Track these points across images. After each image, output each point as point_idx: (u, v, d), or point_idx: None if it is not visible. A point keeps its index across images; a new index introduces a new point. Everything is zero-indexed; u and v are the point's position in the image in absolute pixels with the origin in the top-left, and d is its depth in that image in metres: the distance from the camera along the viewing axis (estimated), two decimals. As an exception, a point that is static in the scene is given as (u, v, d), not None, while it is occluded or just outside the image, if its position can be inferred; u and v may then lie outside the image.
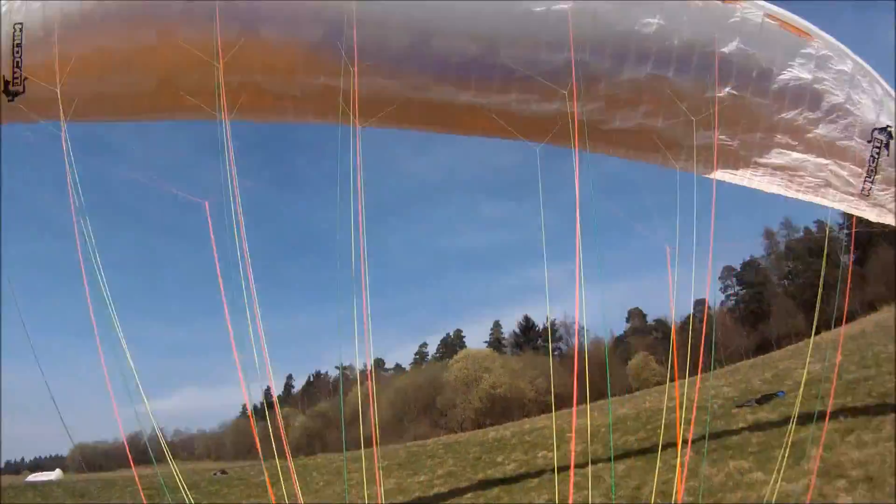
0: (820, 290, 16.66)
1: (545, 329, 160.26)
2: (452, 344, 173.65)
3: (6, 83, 12.43)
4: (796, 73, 13.66)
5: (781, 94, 13.83)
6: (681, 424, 14.09)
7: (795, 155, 14.46)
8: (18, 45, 12.28)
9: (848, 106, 13.75)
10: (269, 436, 11.50)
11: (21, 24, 12.20)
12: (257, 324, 10.55)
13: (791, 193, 14.90)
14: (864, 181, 14.01)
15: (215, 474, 52.15)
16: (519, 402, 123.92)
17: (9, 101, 12.66)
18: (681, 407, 15.40)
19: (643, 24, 13.24)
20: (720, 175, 14.58)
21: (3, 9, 12.27)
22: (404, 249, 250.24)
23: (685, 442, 13.78)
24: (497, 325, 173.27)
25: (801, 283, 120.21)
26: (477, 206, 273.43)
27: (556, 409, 25.62)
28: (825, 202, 14.59)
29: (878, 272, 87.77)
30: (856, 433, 17.93)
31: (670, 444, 21.77)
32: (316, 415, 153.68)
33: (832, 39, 13.65)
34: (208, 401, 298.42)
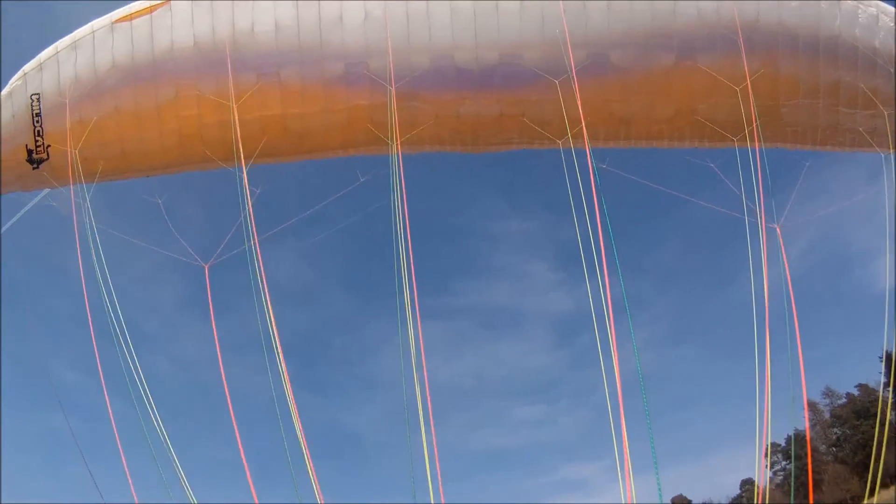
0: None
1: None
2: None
3: (29, 152, 12.37)
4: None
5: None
6: None
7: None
8: (38, 115, 12.40)
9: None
10: None
11: (38, 94, 12.48)
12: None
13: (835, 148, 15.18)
14: None
15: None
16: None
17: (33, 168, 12.46)
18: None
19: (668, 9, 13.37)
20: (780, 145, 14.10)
21: (18, 82, 12.58)
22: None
23: None
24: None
25: (852, 446, 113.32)
26: (508, 410, 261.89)
27: None
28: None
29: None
30: None
31: None
32: None
33: None
34: None
